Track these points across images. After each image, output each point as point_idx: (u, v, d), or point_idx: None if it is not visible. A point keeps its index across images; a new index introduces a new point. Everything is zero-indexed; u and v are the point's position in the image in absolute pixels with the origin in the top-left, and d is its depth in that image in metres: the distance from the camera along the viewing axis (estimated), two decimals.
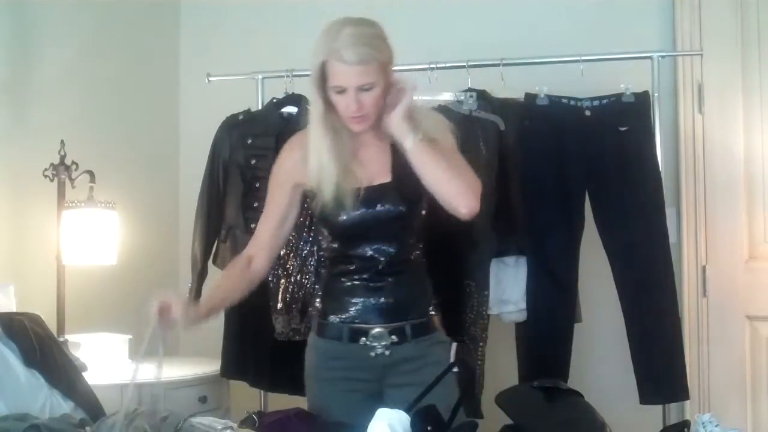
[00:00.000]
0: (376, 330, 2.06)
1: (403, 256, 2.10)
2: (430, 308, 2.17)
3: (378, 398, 2.11)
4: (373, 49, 1.95)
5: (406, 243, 2.11)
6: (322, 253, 2.31)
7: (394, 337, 2.07)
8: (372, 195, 2.05)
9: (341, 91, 1.97)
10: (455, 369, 2.09)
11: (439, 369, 2.07)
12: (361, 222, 2.05)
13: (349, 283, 2.10)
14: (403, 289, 2.11)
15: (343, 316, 2.10)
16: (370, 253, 2.08)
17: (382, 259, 2.08)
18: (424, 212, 2.12)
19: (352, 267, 2.10)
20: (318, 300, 2.18)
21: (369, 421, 1.72)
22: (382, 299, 2.08)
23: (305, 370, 2.19)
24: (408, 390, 2.04)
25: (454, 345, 2.15)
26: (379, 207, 2.05)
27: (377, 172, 2.07)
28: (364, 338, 2.07)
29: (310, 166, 2.04)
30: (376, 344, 2.07)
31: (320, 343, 2.16)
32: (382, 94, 1.99)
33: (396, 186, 2.06)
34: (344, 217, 2.05)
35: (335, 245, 2.12)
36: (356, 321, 2.09)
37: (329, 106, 2.02)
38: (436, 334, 2.17)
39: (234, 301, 2.18)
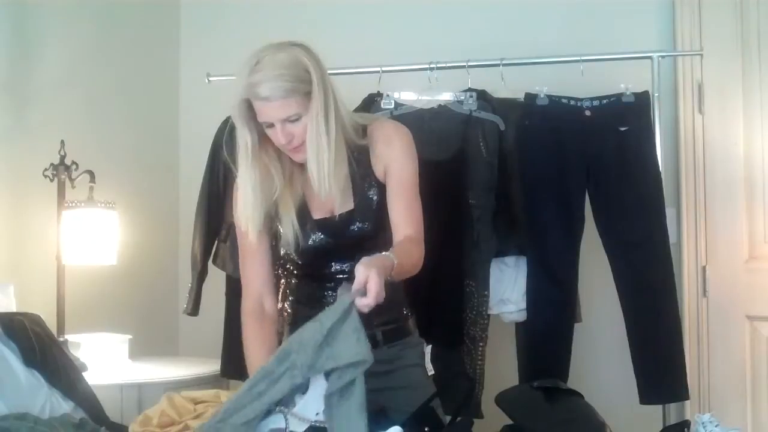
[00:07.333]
0: None
1: None
2: (404, 310, 2.15)
3: None
4: (289, 81, 1.86)
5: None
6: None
7: None
8: (336, 223, 2.02)
9: (269, 125, 1.91)
10: (431, 372, 2.09)
11: (411, 372, 2.09)
12: (323, 248, 2.04)
13: (318, 292, 2.08)
14: None
15: None
16: (335, 268, 2.07)
17: (348, 273, 2.04)
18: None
19: (319, 279, 2.09)
20: (288, 305, 2.14)
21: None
22: None
23: None
24: (381, 394, 2.04)
25: (428, 348, 2.15)
26: (346, 232, 2.02)
27: (339, 201, 2.01)
28: None
29: (237, 205, 1.99)
30: None
31: None
32: (314, 120, 1.90)
33: (360, 212, 2.03)
34: (305, 246, 2.03)
35: (299, 261, 2.10)
36: None
37: (264, 137, 1.96)
38: (410, 337, 2.15)
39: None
